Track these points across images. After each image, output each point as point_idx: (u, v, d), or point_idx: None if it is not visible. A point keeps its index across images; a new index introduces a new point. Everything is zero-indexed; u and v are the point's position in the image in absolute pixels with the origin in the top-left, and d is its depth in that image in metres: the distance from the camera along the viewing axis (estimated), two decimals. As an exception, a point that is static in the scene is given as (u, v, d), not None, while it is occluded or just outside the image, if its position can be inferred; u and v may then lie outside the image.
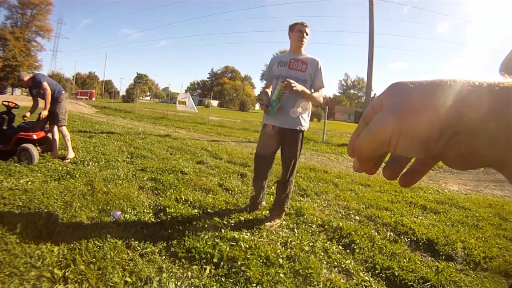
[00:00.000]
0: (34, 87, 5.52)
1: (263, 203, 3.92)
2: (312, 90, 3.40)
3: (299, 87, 3.11)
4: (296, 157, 3.45)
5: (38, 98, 5.66)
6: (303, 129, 3.42)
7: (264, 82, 3.74)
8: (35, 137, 5.20)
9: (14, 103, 5.75)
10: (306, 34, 3.39)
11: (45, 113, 5.42)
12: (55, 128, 5.62)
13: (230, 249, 2.69)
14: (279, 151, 3.60)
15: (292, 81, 3.08)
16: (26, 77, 5.56)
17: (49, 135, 5.79)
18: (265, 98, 3.39)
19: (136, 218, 3.22)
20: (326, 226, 3.53)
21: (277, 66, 3.47)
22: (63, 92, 5.81)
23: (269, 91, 3.57)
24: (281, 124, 3.40)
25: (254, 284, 2.27)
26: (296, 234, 3.27)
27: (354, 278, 2.57)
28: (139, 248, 2.64)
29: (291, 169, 3.48)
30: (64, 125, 5.71)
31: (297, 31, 3.39)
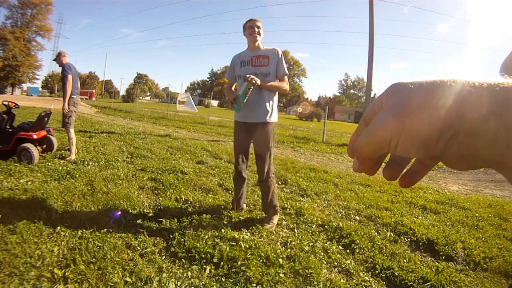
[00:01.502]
0: (62, 71, 5.74)
1: (244, 205, 3.83)
2: (277, 80, 3.41)
3: (258, 81, 3.15)
4: (269, 151, 3.40)
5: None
6: (270, 121, 3.39)
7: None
8: (35, 136, 5.20)
9: (14, 103, 5.77)
10: (258, 27, 3.39)
11: (65, 106, 5.63)
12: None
13: (230, 249, 2.69)
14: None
15: (251, 76, 3.11)
16: (65, 59, 5.80)
17: (50, 135, 5.80)
18: (231, 94, 3.41)
19: (136, 218, 3.22)
20: (326, 226, 3.53)
21: (240, 66, 3.49)
22: (74, 96, 5.87)
23: (233, 89, 3.63)
24: (248, 119, 3.41)
25: (254, 284, 2.27)
26: (296, 234, 3.27)
27: (354, 278, 2.57)
28: (139, 248, 2.64)
29: (267, 164, 3.43)
30: (69, 128, 5.75)
31: (248, 28, 3.42)
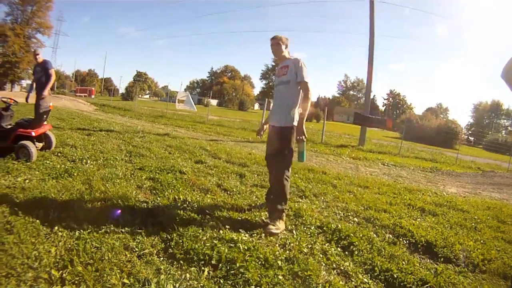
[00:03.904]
0: (42, 67, 6.15)
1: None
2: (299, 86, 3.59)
3: (302, 131, 3.43)
4: (279, 155, 3.53)
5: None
6: (281, 125, 3.56)
7: None
8: (33, 134, 5.18)
9: (13, 99, 5.75)
10: (277, 45, 3.69)
11: (45, 92, 6.05)
12: None
13: (229, 250, 2.68)
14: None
15: (300, 136, 3.43)
16: (40, 57, 6.23)
17: (48, 132, 5.78)
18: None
19: (134, 219, 3.19)
20: (324, 228, 3.53)
21: (275, 77, 3.87)
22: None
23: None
24: (271, 122, 3.73)
25: (253, 286, 2.26)
26: (294, 236, 3.26)
27: (353, 280, 2.58)
28: (137, 249, 2.62)
29: (275, 167, 3.61)
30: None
31: (270, 47, 3.76)
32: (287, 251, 2.88)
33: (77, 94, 54.38)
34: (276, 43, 3.68)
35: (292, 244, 3.02)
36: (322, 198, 4.83)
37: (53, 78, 6.01)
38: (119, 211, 3.28)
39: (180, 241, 2.80)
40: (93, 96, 57.43)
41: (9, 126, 5.36)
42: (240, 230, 3.17)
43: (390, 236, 3.60)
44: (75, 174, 4.44)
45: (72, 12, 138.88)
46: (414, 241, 3.51)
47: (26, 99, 6.40)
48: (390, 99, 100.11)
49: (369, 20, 16.71)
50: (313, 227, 3.54)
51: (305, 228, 3.49)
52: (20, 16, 48.59)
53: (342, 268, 2.73)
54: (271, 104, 3.88)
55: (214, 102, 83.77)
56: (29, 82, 59.17)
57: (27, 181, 3.98)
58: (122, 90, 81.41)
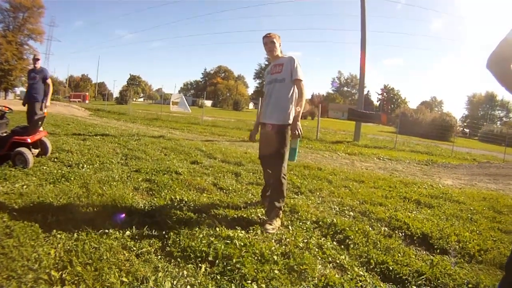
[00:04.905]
0: (39, 74, 6.50)
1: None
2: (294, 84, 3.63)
3: (296, 127, 3.46)
4: (276, 153, 3.56)
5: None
6: (278, 124, 3.58)
7: None
8: (29, 140, 5.18)
9: (7, 107, 5.75)
10: (271, 42, 3.70)
11: (47, 103, 6.46)
12: None
13: (225, 247, 2.70)
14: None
15: (295, 132, 3.46)
16: (38, 64, 6.64)
17: (44, 138, 5.78)
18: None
19: (131, 219, 3.21)
20: (320, 223, 3.56)
21: (266, 75, 3.92)
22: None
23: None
24: (265, 120, 3.73)
25: (249, 281, 2.29)
26: (290, 231, 3.29)
27: (349, 273, 2.59)
28: (134, 248, 2.64)
29: (273, 166, 3.63)
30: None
31: (264, 45, 3.77)
32: (283, 246, 2.91)
33: (71, 99, 54.23)
34: (271, 41, 3.69)
35: (288, 239, 3.05)
36: (318, 193, 4.87)
37: (51, 87, 6.10)
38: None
39: (177, 239, 2.83)
40: (87, 101, 57.32)
41: (4, 134, 5.36)
42: (237, 227, 3.20)
43: (386, 229, 3.62)
44: (72, 178, 4.45)
45: (64, 17, 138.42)
46: (409, 233, 3.53)
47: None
48: (384, 94, 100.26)
49: (360, 16, 16.73)
50: (308, 222, 3.57)
51: (301, 224, 3.52)
52: (12, 23, 48.16)
53: (338, 261, 2.76)
54: (263, 103, 3.93)
55: (208, 103, 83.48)
56: (23, 89, 58.94)
57: (24, 186, 3.99)
58: (116, 94, 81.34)
